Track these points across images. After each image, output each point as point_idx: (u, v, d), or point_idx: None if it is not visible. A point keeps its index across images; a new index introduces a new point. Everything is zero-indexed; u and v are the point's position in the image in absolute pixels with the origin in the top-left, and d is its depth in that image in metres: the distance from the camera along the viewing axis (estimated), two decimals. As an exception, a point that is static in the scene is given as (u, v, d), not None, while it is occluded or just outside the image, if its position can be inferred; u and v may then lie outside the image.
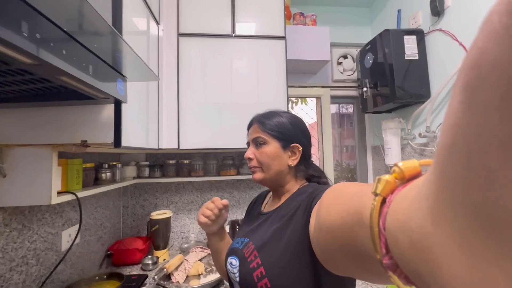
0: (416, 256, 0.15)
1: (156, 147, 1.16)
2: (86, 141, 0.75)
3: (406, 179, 0.19)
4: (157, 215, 1.43)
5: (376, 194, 0.20)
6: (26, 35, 0.36)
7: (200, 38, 1.30)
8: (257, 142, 0.67)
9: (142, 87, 1.03)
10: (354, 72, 1.78)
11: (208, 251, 1.38)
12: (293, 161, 0.66)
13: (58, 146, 0.76)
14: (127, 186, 1.57)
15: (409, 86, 1.27)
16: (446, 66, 1.20)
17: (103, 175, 1.14)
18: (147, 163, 1.51)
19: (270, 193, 0.76)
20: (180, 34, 1.28)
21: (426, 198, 0.15)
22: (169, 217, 1.46)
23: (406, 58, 1.27)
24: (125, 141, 0.80)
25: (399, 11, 1.49)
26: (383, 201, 0.19)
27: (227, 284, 1.12)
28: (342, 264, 0.29)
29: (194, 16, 1.31)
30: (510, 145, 0.09)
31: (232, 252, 0.66)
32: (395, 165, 0.20)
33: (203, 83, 1.30)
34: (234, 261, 0.63)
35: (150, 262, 1.31)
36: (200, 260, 1.32)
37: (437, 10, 1.19)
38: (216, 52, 1.32)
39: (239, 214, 1.64)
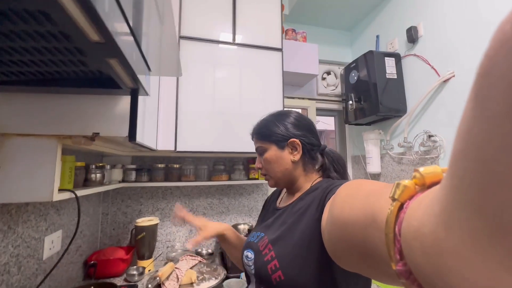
0: (428, 262, 0.15)
1: (155, 148, 1.12)
2: (98, 133, 0.71)
3: (426, 185, 0.19)
4: (143, 221, 1.34)
5: (393, 199, 0.19)
6: (107, 11, 0.36)
7: (201, 42, 1.32)
8: (259, 152, 0.71)
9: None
10: (336, 87, 1.94)
11: (199, 258, 1.34)
12: (295, 156, 0.66)
13: (65, 138, 0.70)
14: (109, 191, 1.46)
15: (389, 101, 1.44)
16: (420, 85, 1.39)
17: (93, 175, 1.06)
18: (133, 166, 1.42)
19: (285, 189, 0.78)
20: (182, 37, 1.29)
21: (439, 202, 0.14)
22: (156, 224, 1.38)
23: (387, 76, 1.44)
24: (139, 137, 0.77)
25: (377, 36, 1.69)
26: (401, 207, 0.19)
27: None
28: (352, 260, 0.29)
29: (196, 21, 1.33)
30: None
31: (248, 245, 0.68)
32: (416, 170, 0.19)
33: (202, 87, 1.31)
34: (249, 254, 0.64)
35: (135, 272, 1.21)
36: (191, 268, 1.27)
37: (412, 37, 1.39)
38: (216, 58, 1.34)
39: (228, 220, 1.62)
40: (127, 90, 0.68)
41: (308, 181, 0.68)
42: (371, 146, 1.59)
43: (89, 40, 0.40)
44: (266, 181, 0.73)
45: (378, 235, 0.21)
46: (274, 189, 0.81)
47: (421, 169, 0.19)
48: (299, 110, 1.95)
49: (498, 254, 0.11)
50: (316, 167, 0.70)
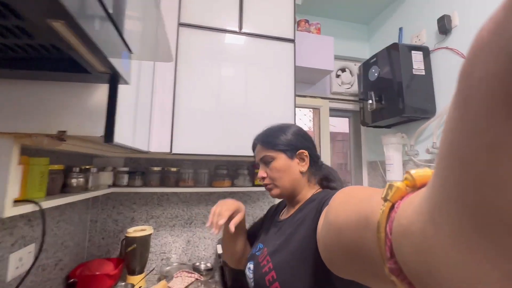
0: (417, 258, 0.15)
1: (146, 149, 0.97)
2: (65, 131, 0.56)
3: (417, 187, 0.19)
4: (135, 231, 1.19)
5: (385, 200, 0.20)
6: None
7: (203, 31, 1.17)
8: (265, 161, 0.69)
9: (133, 74, 0.85)
10: (352, 85, 1.77)
11: (196, 276, 1.18)
12: (303, 166, 0.67)
13: (24, 137, 0.55)
14: (98, 196, 1.31)
15: (415, 101, 1.26)
16: (452, 83, 1.21)
17: (73, 181, 0.91)
18: (126, 169, 1.28)
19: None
20: (181, 24, 1.14)
21: (427, 201, 0.15)
22: (149, 235, 1.23)
23: (413, 73, 1.26)
24: (118, 137, 0.62)
25: (400, 29, 1.51)
26: (392, 207, 0.19)
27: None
28: (345, 265, 0.29)
29: (197, 7, 1.17)
30: (497, 150, 0.10)
31: (250, 257, 0.69)
32: (407, 172, 0.20)
33: (203, 81, 1.16)
34: (251, 266, 0.66)
35: (123, 291, 1.07)
36: (186, 287, 1.11)
37: (445, 28, 1.21)
38: (220, 49, 1.19)
39: (229, 231, 1.46)
40: (102, 77, 0.53)
41: (310, 192, 0.68)
42: (392, 152, 1.41)
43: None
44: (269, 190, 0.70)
45: (371, 236, 0.21)
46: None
47: (413, 171, 0.19)
48: (311, 110, 1.79)
49: (484, 250, 0.12)
50: (317, 179, 0.71)
